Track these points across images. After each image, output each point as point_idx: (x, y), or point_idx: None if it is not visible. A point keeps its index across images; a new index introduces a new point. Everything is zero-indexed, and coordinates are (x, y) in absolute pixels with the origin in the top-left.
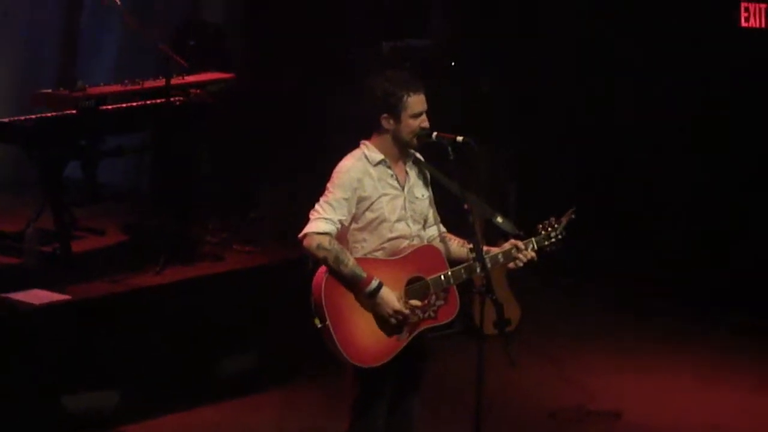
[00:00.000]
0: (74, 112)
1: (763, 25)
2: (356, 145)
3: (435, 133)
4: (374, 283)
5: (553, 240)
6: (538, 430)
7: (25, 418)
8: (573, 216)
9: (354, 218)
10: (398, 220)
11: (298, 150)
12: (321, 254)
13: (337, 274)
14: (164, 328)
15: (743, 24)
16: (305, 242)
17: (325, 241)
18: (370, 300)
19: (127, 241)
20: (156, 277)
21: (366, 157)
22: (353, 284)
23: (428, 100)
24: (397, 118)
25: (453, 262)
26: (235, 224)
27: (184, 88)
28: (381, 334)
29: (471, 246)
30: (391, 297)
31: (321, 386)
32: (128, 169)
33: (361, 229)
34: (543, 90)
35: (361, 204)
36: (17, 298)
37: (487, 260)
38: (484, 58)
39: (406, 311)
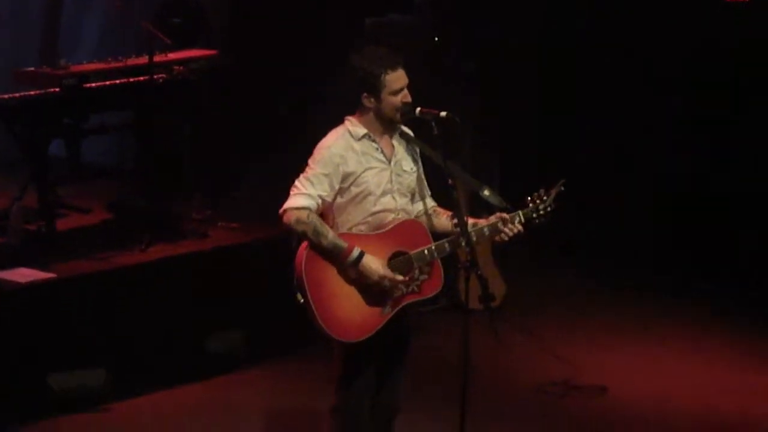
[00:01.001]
0: (58, 90)
1: (748, 0)
2: (340, 121)
3: (418, 109)
4: (356, 252)
5: (542, 212)
6: (524, 405)
7: (11, 397)
8: (562, 188)
9: (339, 192)
10: (384, 194)
11: (282, 127)
12: (300, 228)
13: (318, 247)
14: (150, 306)
15: None
16: (284, 218)
17: (304, 215)
18: (353, 270)
19: (112, 218)
20: (141, 254)
21: (350, 132)
22: (335, 256)
23: (408, 74)
24: (378, 97)
25: (441, 236)
26: (219, 201)
27: (167, 66)
28: (364, 308)
29: (455, 223)
30: (374, 263)
31: (308, 363)
32: (112, 147)
33: (346, 204)
34: (529, 64)
35: (346, 179)
36: (2, 276)
37: (473, 234)
38: (468, 33)
39: (392, 275)
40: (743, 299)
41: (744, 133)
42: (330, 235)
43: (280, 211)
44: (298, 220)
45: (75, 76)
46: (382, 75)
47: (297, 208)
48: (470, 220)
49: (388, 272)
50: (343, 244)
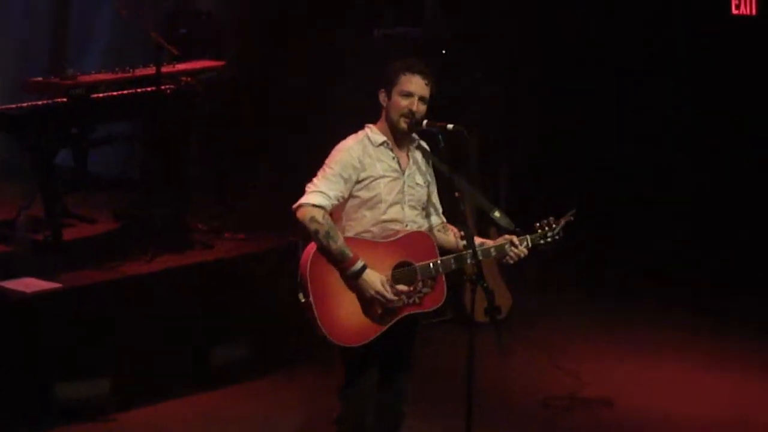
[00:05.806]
0: (65, 100)
1: (754, 13)
2: (345, 133)
3: (425, 121)
4: (359, 265)
5: (549, 240)
6: (530, 418)
7: (17, 406)
8: (572, 218)
9: (350, 196)
10: (394, 204)
11: (288, 138)
12: (313, 226)
13: (325, 249)
14: (155, 316)
15: (734, 12)
16: (299, 213)
17: (319, 214)
18: (353, 281)
19: (118, 229)
20: (147, 264)
21: (368, 138)
22: (338, 262)
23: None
24: (389, 93)
25: (448, 253)
26: (225, 212)
27: (174, 76)
28: (363, 315)
29: (462, 236)
30: (374, 279)
31: (312, 374)
32: (119, 158)
33: (355, 208)
34: (535, 78)
35: (358, 184)
36: (8, 286)
37: (479, 252)
38: (476, 47)
39: (388, 295)
40: (752, 311)
41: (750, 147)
42: (340, 241)
43: (295, 205)
44: (313, 218)
45: (82, 86)
46: (399, 72)
47: (313, 205)
48: (478, 240)
49: (384, 290)
50: (350, 253)
